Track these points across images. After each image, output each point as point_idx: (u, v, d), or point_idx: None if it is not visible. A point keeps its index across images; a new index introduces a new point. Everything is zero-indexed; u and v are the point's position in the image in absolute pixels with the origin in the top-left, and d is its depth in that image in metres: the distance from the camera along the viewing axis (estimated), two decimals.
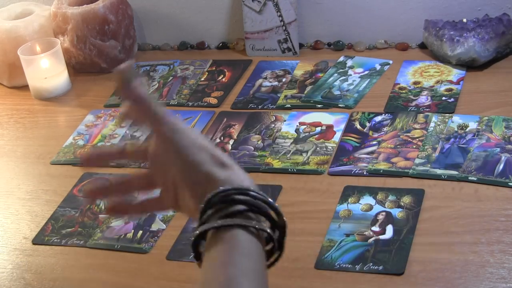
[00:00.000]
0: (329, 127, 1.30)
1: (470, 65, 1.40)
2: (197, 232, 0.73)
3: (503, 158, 1.15)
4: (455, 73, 1.40)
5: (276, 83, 1.47)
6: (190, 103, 1.45)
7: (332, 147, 1.25)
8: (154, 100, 0.77)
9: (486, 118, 1.25)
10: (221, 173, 0.75)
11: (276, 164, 1.24)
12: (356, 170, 1.19)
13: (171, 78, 1.54)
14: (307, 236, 1.07)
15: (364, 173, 1.18)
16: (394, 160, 1.19)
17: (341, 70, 1.47)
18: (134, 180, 0.82)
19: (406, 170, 1.16)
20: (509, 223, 1.04)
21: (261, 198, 0.74)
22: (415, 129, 1.26)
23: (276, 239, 0.75)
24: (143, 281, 1.05)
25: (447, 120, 1.26)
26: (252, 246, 0.72)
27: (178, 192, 0.76)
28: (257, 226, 0.72)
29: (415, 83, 1.39)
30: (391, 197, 1.12)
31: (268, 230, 0.74)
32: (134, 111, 0.78)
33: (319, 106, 1.37)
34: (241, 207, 0.73)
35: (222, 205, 0.73)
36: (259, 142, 1.30)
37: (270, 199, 0.75)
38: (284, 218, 0.76)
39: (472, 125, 1.24)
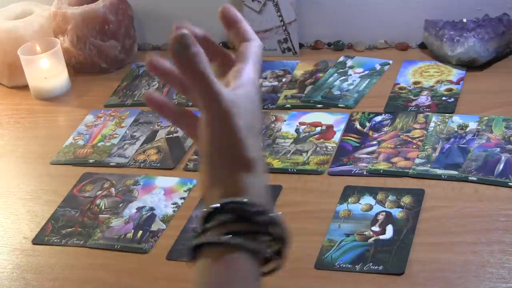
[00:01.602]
0: (329, 127, 1.30)
1: (470, 65, 1.39)
2: (203, 241, 0.68)
3: (503, 158, 1.15)
4: (455, 73, 1.40)
5: (276, 83, 1.47)
6: (190, 103, 1.45)
7: (332, 147, 1.25)
8: (211, 74, 0.69)
9: (486, 118, 1.25)
10: (244, 179, 0.71)
11: (276, 164, 1.24)
12: (356, 170, 1.19)
13: None
14: (307, 236, 1.07)
15: (364, 173, 1.18)
16: (394, 160, 1.19)
17: (341, 70, 1.47)
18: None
19: (406, 170, 1.16)
20: (509, 223, 1.04)
21: (275, 222, 0.71)
22: (415, 129, 1.26)
23: (274, 252, 0.72)
24: (143, 281, 1.05)
25: (447, 120, 1.26)
26: (252, 270, 0.68)
27: (201, 155, 0.72)
28: (265, 253, 0.69)
29: (415, 83, 1.39)
30: (391, 197, 1.12)
31: (273, 256, 0.71)
32: (189, 82, 0.71)
33: (319, 106, 1.37)
34: (255, 228, 0.70)
35: (232, 217, 0.69)
36: None
37: (282, 222, 0.72)
38: (288, 235, 0.73)
39: (472, 125, 1.24)
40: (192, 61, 0.68)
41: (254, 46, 0.75)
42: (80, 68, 1.61)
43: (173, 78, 0.77)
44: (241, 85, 0.71)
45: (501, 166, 1.14)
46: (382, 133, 1.27)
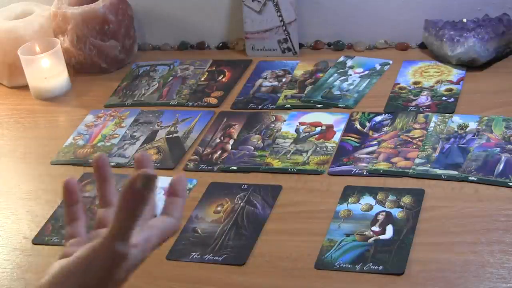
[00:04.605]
0: (329, 127, 1.30)
1: (470, 65, 1.40)
2: None
3: (503, 158, 1.15)
4: (455, 73, 1.40)
5: (276, 83, 1.47)
6: (190, 103, 1.45)
7: (332, 147, 1.25)
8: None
9: (486, 118, 1.25)
10: None
11: (276, 164, 1.24)
12: (356, 170, 1.19)
13: (171, 78, 1.54)
14: (307, 236, 1.08)
15: (364, 173, 1.18)
16: (394, 160, 1.19)
17: (341, 70, 1.47)
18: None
19: (406, 170, 1.16)
20: (509, 223, 1.04)
21: None
22: (415, 129, 1.26)
23: None
24: (143, 281, 1.05)
25: (447, 120, 1.26)
26: None
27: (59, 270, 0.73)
28: None
29: (415, 83, 1.39)
30: (391, 197, 1.12)
31: None
32: (118, 211, 0.71)
33: (319, 106, 1.37)
34: None
35: None
36: (259, 142, 1.30)
37: None
38: None
39: (472, 125, 1.24)
40: (140, 201, 0.68)
41: (169, 225, 0.77)
42: (80, 68, 1.61)
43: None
44: (138, 246, 0.72)
45: (501, 166, 1.14)
46: (382, 133, 1.27)
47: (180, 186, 0.80)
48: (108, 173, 0.82)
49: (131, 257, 0.71)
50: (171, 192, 0.79)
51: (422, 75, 1.41)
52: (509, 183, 1.10)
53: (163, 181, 1.23)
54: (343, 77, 1.44)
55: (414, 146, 1.21)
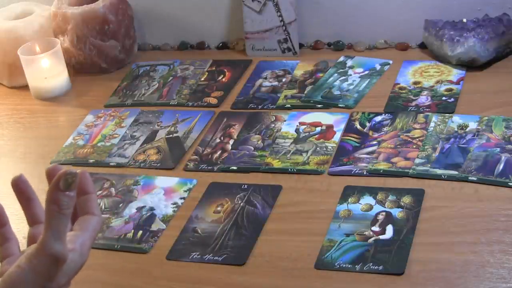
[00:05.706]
0: (329, 127, 1.30)
1: (470, 65, 1.40)
2: None
3: (503, 158, 1.15)
4: (455, 73, 1.40)
5: (276, 83, 1.47)
6: (190, 103, 1.45)
7: (332, 147, 1.25)
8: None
9: (486, 118, 1.25)
10: None
11: (276, 164, 1.24)
12: (356, 170, 1.19)
13: (171, 78, 1.54)
14: (307, 236, 1.08)
15: (364, 173, 1.18)
16: (394, 160, 1.19)
17: (341, 70, 1.47)
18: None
19: (406, 170, 1.16)
20: (509, 223, 1.04)
21: None
22: (415, 129, 1.26)
23: None
24: (143, 281, 1.05)
25: (447, 120, 1.26)
26: None
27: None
28: None
29: (415, 83, 1.39)
30: (391, 197, 1.12)
31: None
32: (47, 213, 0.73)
33: (319, 106, 1.37)
34: None
35: None
36: (259, 142, 1.30)
37: None
38: None
39: (472, 125, 1.24)
40: (65, 200, 0.72)
41: (96, 223, 0.79)
42: (80, 68, 1.61)
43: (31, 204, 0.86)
44: (75, 250, 0.74)
45: (501, 166, 1.14)
46: (382, 133, 1.27)
47: (86, 181, 0.80)
48: (31, 192, 0.85)
49: (70, 261, 0.73)
50: (81, 190, 0.79)
51: (422, 75, 1.41)
52: (509, 183, 1.10)
53: (163, 181, 1.24)
54: (343, 77, 1.44)
55: (414, 146, 1.21)
